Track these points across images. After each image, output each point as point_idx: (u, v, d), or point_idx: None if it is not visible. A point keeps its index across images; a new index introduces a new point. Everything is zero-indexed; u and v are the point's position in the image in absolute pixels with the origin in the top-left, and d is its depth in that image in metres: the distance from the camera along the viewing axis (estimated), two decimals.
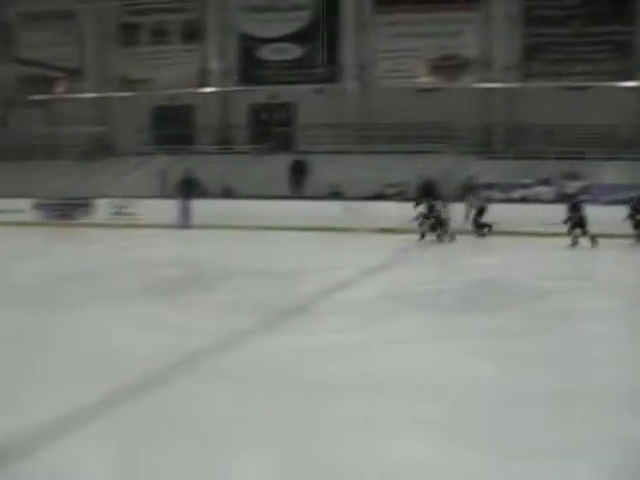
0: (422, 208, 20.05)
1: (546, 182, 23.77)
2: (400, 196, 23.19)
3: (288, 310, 10.21)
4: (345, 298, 11.32)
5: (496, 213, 20.51)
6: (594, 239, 18.08)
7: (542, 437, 5.33)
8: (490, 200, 21.40)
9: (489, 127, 27.51)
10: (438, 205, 20.04)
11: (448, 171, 23.84)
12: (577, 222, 18.24)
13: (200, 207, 23.61)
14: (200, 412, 5.80)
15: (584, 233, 18.22)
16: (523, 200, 22.24)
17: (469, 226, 20.81)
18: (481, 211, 20.98)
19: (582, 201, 19.00)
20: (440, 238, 19.81)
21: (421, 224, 19.97)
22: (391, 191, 23.85)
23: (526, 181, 23.73)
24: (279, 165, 25.80)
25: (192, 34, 31.89)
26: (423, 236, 19.91)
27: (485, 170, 23.94)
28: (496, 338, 8.49)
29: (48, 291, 11.70)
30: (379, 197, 24.07)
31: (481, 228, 20.81)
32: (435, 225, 19.97)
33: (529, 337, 8.60)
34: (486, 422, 5.67)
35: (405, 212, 19.93)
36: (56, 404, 5.87)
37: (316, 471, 4.76)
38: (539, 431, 5.47)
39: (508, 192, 23.52)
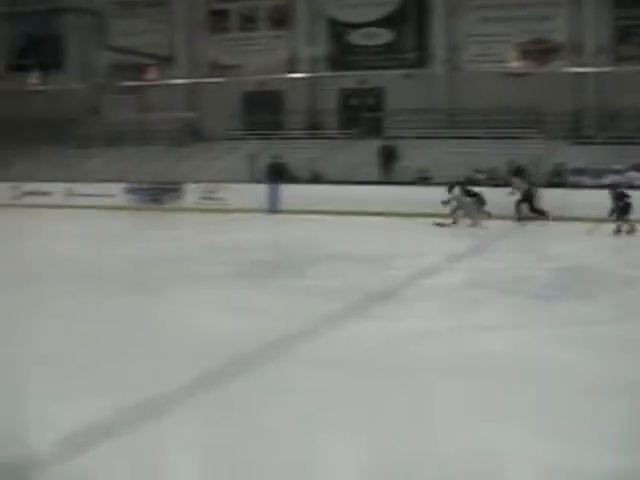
0: (456, 192, 19.95)
1: (638, 168, 23.15)
2: (491, 182, 22.92)
3: (376, 295, 10.24)
4: (432, 284, 11.30)
5: (584, 199, 20.02)
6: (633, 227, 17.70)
7: (629, 428, 5.27)
8: (535, 185, 21.03)
9: (579, 112, 26.94)
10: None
11: (538, 156, 23.47)
12: (622, 210, 17.85)
13: (288, 192, 23.78)
14: (291, 397, 5.83)
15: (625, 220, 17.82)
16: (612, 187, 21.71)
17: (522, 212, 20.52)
18: (528, 196, 20.57)
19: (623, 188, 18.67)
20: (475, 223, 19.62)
21: (454, 209, 19.90)
22: (481, 177, 23.59)
23: (617, 167, 23.17)
24: (368, 150, 25.76)
25: (281, 20, 32.08)
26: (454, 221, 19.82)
27: (575, 155, 23.49)
28: (585, 326, 8.37)
29: (138, 275, 11.94)
30: (468, 183, 23.82)
31: (536, 213, 20.36)
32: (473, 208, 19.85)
33: (619, 325, 8.46)
34: (571, 411, 5.60)
35: (494, 198, 19.76)
36: (144, 388, 5.98)
37: (413, 456, 4.76)
38: (625, 422, 5.40)
39: (599, 178, 22.99)
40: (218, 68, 32.66)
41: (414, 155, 25.00)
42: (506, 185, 20.92)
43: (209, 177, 25.49)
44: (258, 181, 24.84)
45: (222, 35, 32.83)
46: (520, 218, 20.39)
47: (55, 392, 5.92)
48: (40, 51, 34.78)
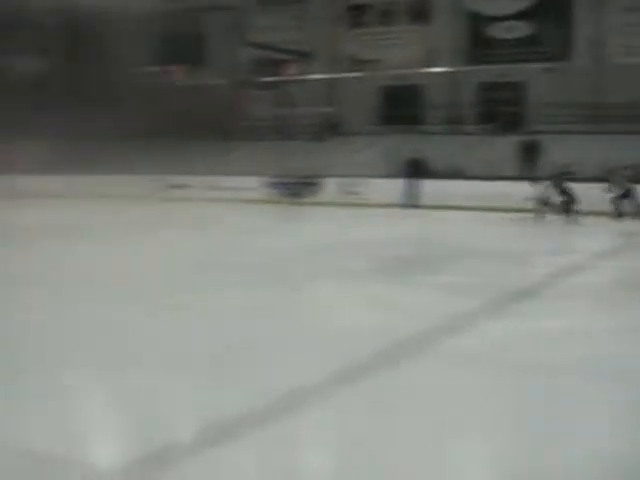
0: (542, 188, 19.61)
1: None
2: (636, 177, 22.11)
3: (517, 293, 10.04)
4: (576, 282, 10.99)
5: None
6: None
7: None
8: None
9: None
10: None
11: None
12: None
13: (427, 187, 23.62)
14: (429, 395, 5.78)
15: None
16: None
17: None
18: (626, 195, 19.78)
19: None
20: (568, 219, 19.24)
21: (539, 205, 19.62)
22: (626, 172, 22.81)
23: None
24: (508, 145, 25.32)
25: (420, 13, 31.93)
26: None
27: None
28: None
29: (277, 268, 12.06)
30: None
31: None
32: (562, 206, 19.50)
33: None
34: None
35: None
36: (283, 382, 6.00)
37: (560, 458, 4.63)
38: None
39: None
40: (357, 63, 32.80)
41: (556, 150, 24.38)
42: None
43: (348, 172, 25.61)
44: (397, 176, 24.76)
45: (361, 30, 32.96)
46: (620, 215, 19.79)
47: (206, 382, 6.06)
48: (185, 48, 35.77)
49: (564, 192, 19.55)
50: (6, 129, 26.50)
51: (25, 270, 11.59)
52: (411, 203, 23.59)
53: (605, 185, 19.94)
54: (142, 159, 29.44)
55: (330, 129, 30.57)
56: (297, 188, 26.21)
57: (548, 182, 19.66)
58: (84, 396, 5.83)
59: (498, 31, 30.41)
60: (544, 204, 19.62)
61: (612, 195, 19.85)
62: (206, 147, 30.34)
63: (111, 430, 5.15)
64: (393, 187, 23.97)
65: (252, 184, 26.46)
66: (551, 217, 19.41)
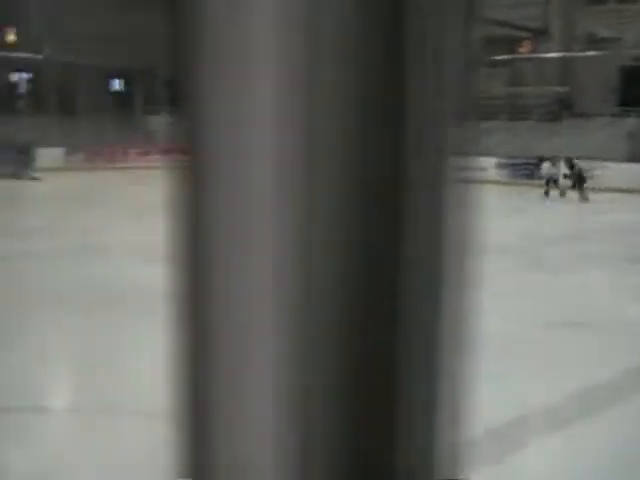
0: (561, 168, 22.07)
1: None
2: None
3: None
4: None
5: None
6: None
7: None
8: None
9: None
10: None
11: None
12: None
13: None
14: None
15: None
16: None
17: None
18: None
19: None
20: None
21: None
22: None
23: None
24: None
25: None
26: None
27: None
28: None
29: (534, 252, 11.87)
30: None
31: None
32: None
33: None
34: None
35: None
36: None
37: None
38: None
39: None
40: (594, 41, 31.52)
41: None
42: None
43: (582, 154, 24.74)
44: (637, 160, 23.68)
45: (599, 7, 31.63)
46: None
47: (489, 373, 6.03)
48: None
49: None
50: None
51: None
52: None
53: None
54: None
55: (564, 109, 29.62)
56: (530, 169, 25.63)
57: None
58: None
59: None
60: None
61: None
62: None
63: None
64: (633, 172, 22.91)
65: (483, 164, 26.09)
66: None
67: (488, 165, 26.20)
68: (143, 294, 8.47)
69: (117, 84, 39.65)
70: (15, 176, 24.89)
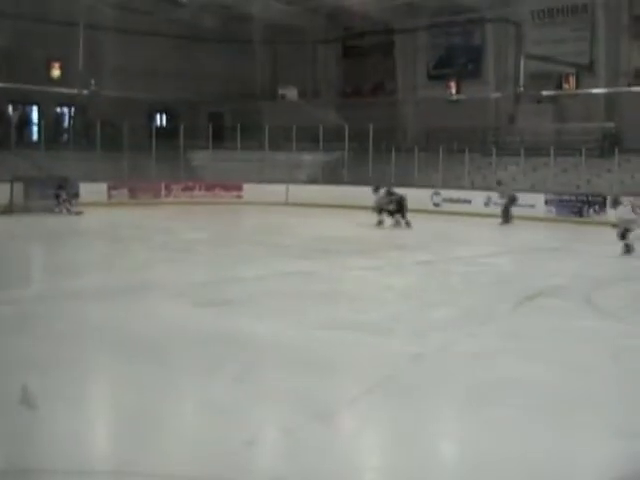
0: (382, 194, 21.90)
1: None
2: None
3: None
4: None
5: None
6: None
7: None
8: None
9: None
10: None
11: None
12: None
13: None
14: None
15: None
16: None
17: None
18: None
19: None
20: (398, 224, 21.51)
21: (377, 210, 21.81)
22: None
23: None
24: None
25: None
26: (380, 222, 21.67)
27: None
28: None
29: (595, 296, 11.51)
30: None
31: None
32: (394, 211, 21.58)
33: None
34: None
35: None
36: None
37: None
38: None
39: None
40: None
41: None
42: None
43: (633, 190, 24.27)
44: None
45: None
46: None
47: None
48: (458, 61, 35.62)
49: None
50: None
51: None
52: None
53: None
54: (411, 172, 29.63)
55: (611, 145, 29.13)
56: (579, 206, 25.19)
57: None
58: None
59: None
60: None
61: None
62: (482, 161, 30.07)
63: None
64: None
65: (531, 201, 25.72)
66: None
67: (537, 202, 25.88)
68: (193, 338, 8.32)
69: (161, 119, 39.86)
70: (59, 211, 24.97)
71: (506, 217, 23.63)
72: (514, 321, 9.63)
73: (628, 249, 15.59)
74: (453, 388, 6.78)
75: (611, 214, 23.69)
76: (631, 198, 18.37)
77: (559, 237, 21.42)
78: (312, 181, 32.71)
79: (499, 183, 24.84)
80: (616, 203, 16.68)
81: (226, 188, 31.84)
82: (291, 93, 38.40)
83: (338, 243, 18.29)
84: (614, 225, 16.27)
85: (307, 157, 34.32)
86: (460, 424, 6.05)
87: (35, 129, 34.61)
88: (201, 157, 33.73)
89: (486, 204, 26.50)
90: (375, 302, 10.69)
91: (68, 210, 25.13)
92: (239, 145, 34.27)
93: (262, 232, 19.62)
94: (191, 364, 7.48)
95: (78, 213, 24.93)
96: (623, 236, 15.71)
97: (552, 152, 27.56)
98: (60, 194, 25.70)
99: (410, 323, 9.22)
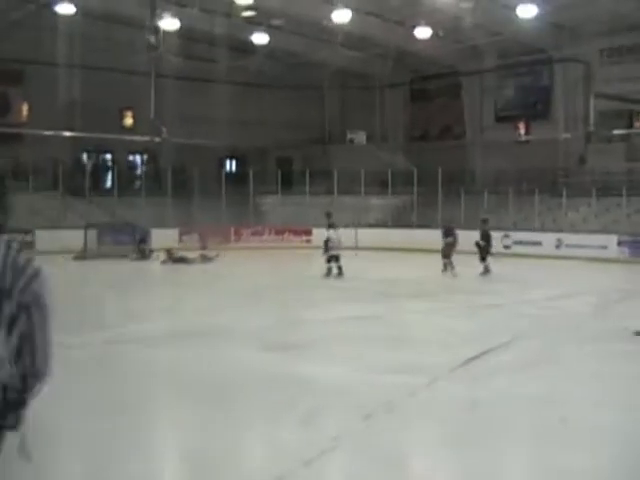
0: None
1: None
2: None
3: None
4: None
5: None
6: None
7: None
8: None
9: None
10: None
11: None
12: None
13: None
14: None
15: None
16: None
17: None
18: None
19: None
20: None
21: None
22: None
23: None
24: None
25: None
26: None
27: None
28: None
29: None
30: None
31: None
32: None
33: None
34: None
35: None
36: None
37: None
38: None
39: None
40: None
41: None
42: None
43: None
44: None
45: None
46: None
47: None
48: (527, 101, 35.44)
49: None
50: None
51: None
52: None
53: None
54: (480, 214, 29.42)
55: None
56: None
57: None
58: None
59: None
60: None
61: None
62: (553, 203, 29.74)
63: None
64: None
65: (604, 242, 25.31)
66: None
67: (609, 243, 25.46)
68: (259, 382, 8.35)
69: (230, 165, 40.48)
70: (132, 257, 25.38)
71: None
72: (584, 365, 9.44)
73: None
74: (516, 433, 6.67)
75: None
76: None
77: (632, 279, 20.97)
78: (381, 225, 32.73)
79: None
80: None
81: (295, 232, 32.01)
82: (359, 137, 38.66)
83: (406, 286, 18.21)
84: None
85: (376, 201, 34.42)
86: (528, 469, 5.94)
87: (109, 176, 35.41)
88: (270, 202, 34.05)
89: (557, 246, 26.17)
90: (439, 345, 10.59)
91: (142, 255, 25.54)
92: (308, 189, 34.55)
93: (330, 276, 19.64)
94: (257, 408, 7.50)
95: (151, 256, 25.44)
96: None
97: (624, 192, 27.18)
98: (134, 240, 26.19)
99: (474, 367, 9.09)
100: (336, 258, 19.60)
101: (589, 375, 8.88)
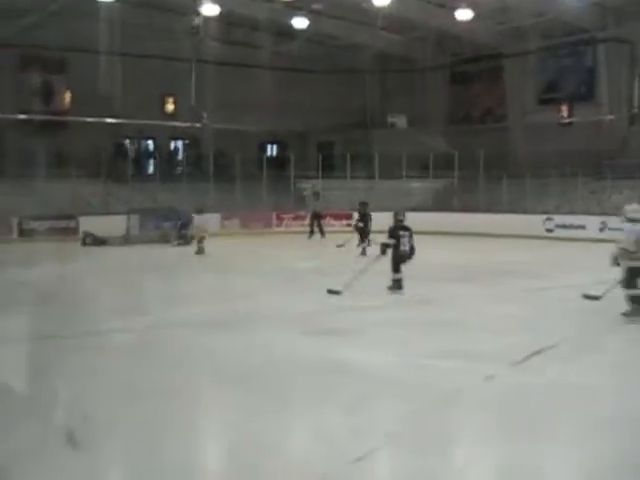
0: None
1: None
2: None
3: None
4: None
5: None
6: None
7: None
8: None
9: None
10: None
11: None
12: None
13: None
14: None
15: None
16: None
17: None
18: None
19: None
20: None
21: None
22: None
23: None
24: None
25: None
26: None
27: None
28: None
29: None
30: None
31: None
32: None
33: None
34: None
35: None
36: None
37: None
38: None
39: None
40: None
41: None
42: None
43: None
44: None
45: None
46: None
47: None
48: (570, 83, 34.94)
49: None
50: None
51: None
52: None
53: None
54: (522, 198, 29.19)
55: None
56: None
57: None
58: None
59: None
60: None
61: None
62: (597, 186, 29.39)
63: None
64: None
65: None
66: None
67: None
68: (301, 367, 8.34)
69: (271, 150, 40.53)
70: (177, 242, 25.48)
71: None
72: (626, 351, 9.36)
73: None
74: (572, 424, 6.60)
75: None
76: None
77: None
78: (422, 209, 32.57)
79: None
80: None
81: (337, 217, 31.98)
82: (400, 121, 38.46)
83: (453, 271, 18.11)
84: None
85: (416, 185, 34.26)
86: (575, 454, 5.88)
87: (151, 163, 35.63)
88: (311, 186, 34.04)
89: (601, 229, 25.83)
90: (484, 331, 10.50)
91: (184, 241, 25.61)
92: (349, 174, 34.50)
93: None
94: (299, 394, 7.48)
95: (191, 243, 25.47)
96: None
97: None
98: (176, 225, 26.30)
99: (522, 352, 8.99)
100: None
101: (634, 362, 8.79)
